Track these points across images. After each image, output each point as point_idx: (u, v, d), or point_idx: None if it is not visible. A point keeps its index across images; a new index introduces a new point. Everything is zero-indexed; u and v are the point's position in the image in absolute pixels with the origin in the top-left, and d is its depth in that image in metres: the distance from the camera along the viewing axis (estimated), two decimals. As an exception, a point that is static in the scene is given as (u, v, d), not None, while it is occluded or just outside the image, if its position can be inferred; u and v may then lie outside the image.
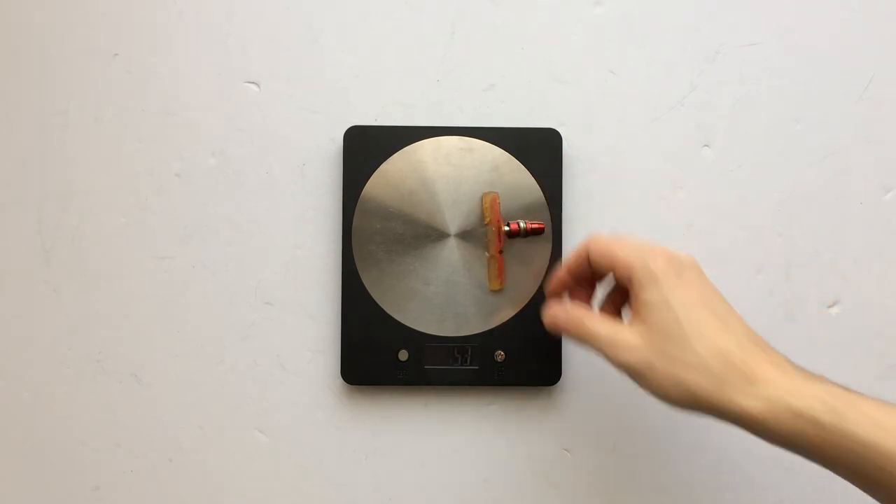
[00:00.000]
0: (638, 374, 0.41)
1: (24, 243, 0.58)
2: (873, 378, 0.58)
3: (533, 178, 0.56)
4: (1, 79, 0.58)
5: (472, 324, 0.56)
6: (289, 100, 0.58)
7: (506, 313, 0.56)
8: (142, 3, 0.58)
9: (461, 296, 0.56)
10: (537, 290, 0.56)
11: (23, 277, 0.58)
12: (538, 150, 0.56)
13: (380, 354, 0.56)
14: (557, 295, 0.49)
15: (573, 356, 0.58)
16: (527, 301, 0.56)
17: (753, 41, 0.58)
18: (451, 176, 0.56)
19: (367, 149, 0.56)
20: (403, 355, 0.56)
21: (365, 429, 0.58)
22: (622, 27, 0.58)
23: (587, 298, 0.49)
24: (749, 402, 0.37)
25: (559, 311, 0.47)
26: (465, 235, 0.56)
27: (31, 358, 0.58)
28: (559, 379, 0.56)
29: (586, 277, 0.48)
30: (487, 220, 0.55)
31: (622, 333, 0.42)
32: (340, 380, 0.57)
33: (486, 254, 0.56)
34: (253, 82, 0.58)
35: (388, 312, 0.56)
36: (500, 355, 0.56)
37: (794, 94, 0.58)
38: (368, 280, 0.56)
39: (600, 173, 0.58)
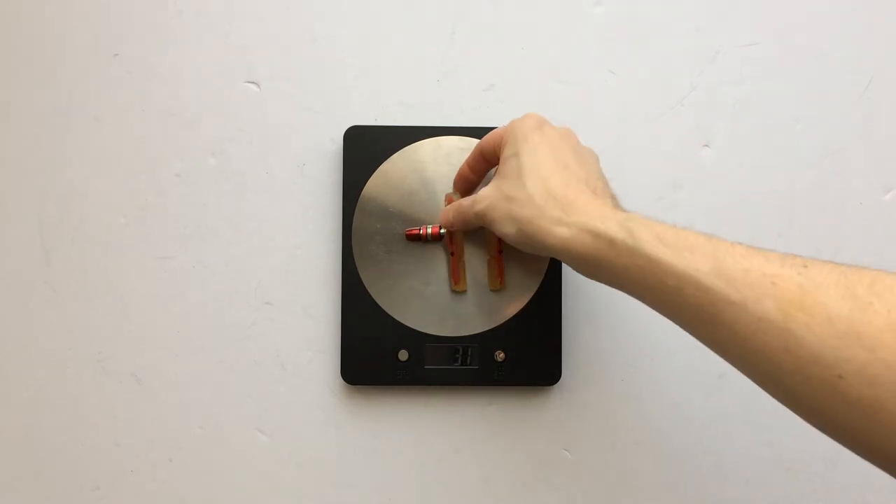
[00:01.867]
0: (487, 219, 0.46)
1: (24, 243, 0.58)
2: (873, 378, 0.57)
3: (533, 178, 0.56)
4: (1, 79, 0.58)
5: (472, 324, 0.56)
6: (289, 100, 0.58)
7: (506, 313, 0.56)
8: (142, 3, 0.58)
9: (461, 296, 0.56)
10: (537, 290, 0.56)
11: (23, 277, 0.58)
12: (538, 150, 0.56)
13: (380, 354, 0.56)
14: (463, 192, 0.54)
15: (573, 356, 0.58)
16: (527, 301, 0.56)
17: (753, 41, 0.58)
18: (451, 176, 0.56)
19: (367, 149, 0.56)
20: (403, 355, 0.56)
21: (365, 429, 0.58)
22: (622, 27, 0.58)
23: None
24: (560, 230, 0.41)
25: (447, 208, 0.52)
26: (464, 235, 0.56)
27: (31, 358, 0.58)
28: (559, 379, 0.56)
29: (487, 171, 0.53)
30: (487, 220, 0.55)
31: (481, 192, 0.47)
32: (340, 380, 0.57)
33: (486, 254, 0.56)
34: (253, 82, 0.58)
35: (388, 312, 0.56)
36: (500, 355, 0.56)
37: (794, 94, 0.58)
38: (368, 280, 0.56)
39: (600, 173, 0.58)
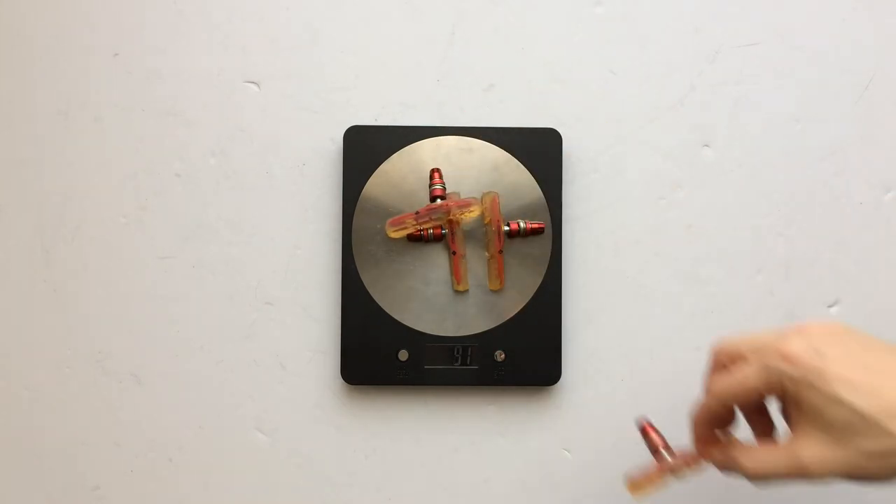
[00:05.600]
0: (845, 478, 0.39)
1: (24, 243, 0.58)
2: (873, 378, 0.57)
3: (533, 178, 0.56)
4: (1, 79, 0.58)
5: (472, 324, 0.56)
6: (289, 100, 0.58)
7: (506, 313, 0.56)
8: (142, 3, 0.58)
9: (461, 296, 0.56)
10: (537, 290, 0.56)
11: (23, 277, 0.58)
12: (538, 150, 0.56)
13: (380, 354, 0.56)
14: (705, 436, 0.44)
15: (573, 356, 0.58)
16: (527, 301, 0.56)
17: (753, 41, 0.58)
18: (451, 176, 0.56)
19: (367, 149, 0.56)
20: (403, 355, 0.56)
21: (365, 429, 0.58)
22: (622, 27, 0.58)
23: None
24: None
25: (716, 455, 0.43)
26: (465, 235, 0.56)
27: (31, 358, 0.58)
28: (559, 379, 0.56)
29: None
30: (487, 220, 0.55)
31: (805, 457, 0.39)
32: (340, 380, 0.57)
33: (486, 254, 0.56)
34: (253, 82, 0.58)
35: (388, 312, 0.56)
36: (500, 355, 0.56)
37: (794, 94, 0.58)
38: (368, 280, 0.56)
39: (600, 173, 0.58)
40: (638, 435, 0.58)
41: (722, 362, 0.42)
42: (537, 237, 0.56)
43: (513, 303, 0.56)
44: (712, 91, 0.58)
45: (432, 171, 0.55)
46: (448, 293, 0.56)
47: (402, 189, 0.56)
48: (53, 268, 0.58)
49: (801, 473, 0.39)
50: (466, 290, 0.55)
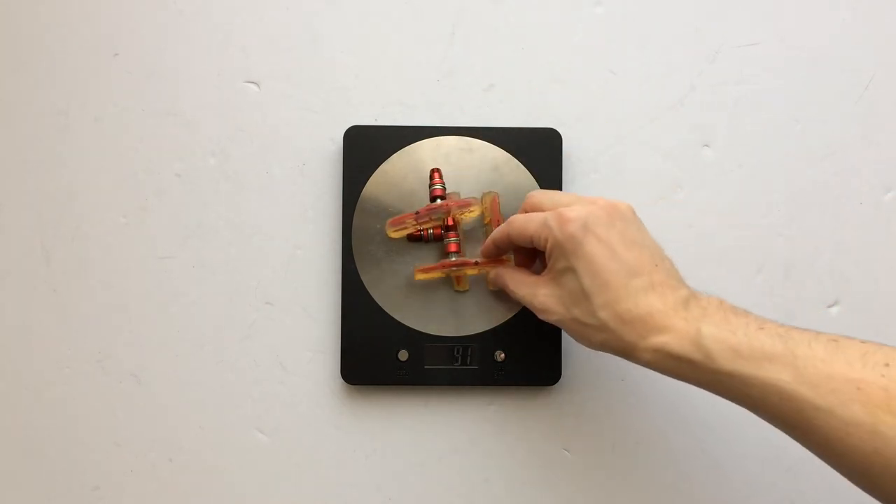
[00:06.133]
0: (558, 326, 0.47)
1: (24, 243, 0.58)
2: (873, 378, 0.57)
3: (533, 178, 0.56)
4: (1, 79, 0.58)
5: (472, 324, 0.56)
6: (289, 100, 0.58)
7: (506, 313, 0.56)
8: (142, 3, 0.58)
9: (461, 296, 0.56)
10: (537, 290, 0.56)
11: (23, 277, 0.58)
12: (538, 150, 0.56)
13: (380, 354, 0.56)
14: (492, 257, 0.53)
15: (573, 356, 0.58)
16: (527, 301, 0.56)
17: (753, 41, 0.58)
18: (451, 176, 0.56)
19: (367, 149, 0.56)
20: (403, 355, 0.56)
21: (365, 429, 0.58)
22: (622, 27, 0.58)
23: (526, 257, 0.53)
24: (642, 354, 0.43)
25: (500, 273, 0.52)
26: (465, 235, 0.56)
27: (31, 358, 0.58)
28: (559, 379, 0.56)
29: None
30: (487, 220, 0.55)
31: (539, 296, 0.47)
32: (340, 380, 0.57)
33: (486, 254, 0.56)
34: (253, 82, 0.58)
35: (388, 312, 0.56)
36: (500, 355, 0.56)
37: (794, 94, 0.58)
38: (368, 280, 0.56)
39: (600, 173, 0.58)
40: (637, 435, 0.58)
41: (526, 209, 0.50)
42: (537, 237, 0.56)
43: (513, 303, 0.56)
44: (712, 91, 0.58)
45: (432, 171, 0.55)
46: (448, 293, 0.56)
47: (402, 189, 0.56)
48: (53, 268, 0.58)
49: (533, 309, 0.48)
50: (466, 290, 0.56)
